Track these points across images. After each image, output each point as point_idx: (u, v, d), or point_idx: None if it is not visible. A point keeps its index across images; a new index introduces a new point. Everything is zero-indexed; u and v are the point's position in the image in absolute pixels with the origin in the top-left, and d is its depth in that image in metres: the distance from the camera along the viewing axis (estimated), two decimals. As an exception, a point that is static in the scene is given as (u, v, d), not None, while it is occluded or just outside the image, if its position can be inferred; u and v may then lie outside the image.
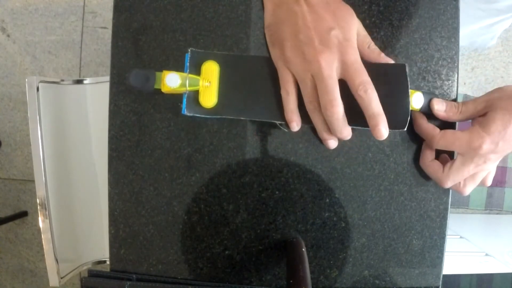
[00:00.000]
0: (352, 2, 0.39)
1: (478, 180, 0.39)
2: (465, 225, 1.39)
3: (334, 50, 0.33)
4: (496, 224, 1.48)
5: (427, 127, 0.38)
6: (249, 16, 0.39)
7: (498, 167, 1.58)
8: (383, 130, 0.33)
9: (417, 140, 0.40)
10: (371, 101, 0.33)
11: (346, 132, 0.35)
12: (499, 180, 1.55)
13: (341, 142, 0.40)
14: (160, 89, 0.36)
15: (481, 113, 0.37)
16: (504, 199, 1.56)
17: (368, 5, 0.39)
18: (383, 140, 0.40)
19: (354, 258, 0.41)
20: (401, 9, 0.40)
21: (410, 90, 0.36)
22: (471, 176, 0.38)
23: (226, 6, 0.39)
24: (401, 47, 0.40)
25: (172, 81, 0.36)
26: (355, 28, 0.35)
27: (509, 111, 0.35)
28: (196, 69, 0.37)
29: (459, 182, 0.38)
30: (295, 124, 0.36)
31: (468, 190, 0.39)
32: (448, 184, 0.38)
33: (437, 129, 0.38)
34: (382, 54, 0.36)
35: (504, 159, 1.54)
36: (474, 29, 0.71)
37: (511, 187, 1.56)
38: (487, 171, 0.38)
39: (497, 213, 1.56)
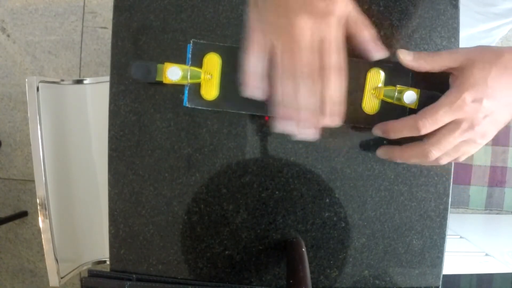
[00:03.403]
0: (352, 2, 0.39)
1: (460, 154, 0.36)
2: (465, 225, 1.39)
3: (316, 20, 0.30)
4: (496, 224, 1.47)
5: (404, 121, 0.35)
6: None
7: (498, 167, 1.58)
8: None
9: (417, 140, 0.40)
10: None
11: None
12: (499, 180, 1.55)
13: (342, 142, 0.40)
14: (161, 83, 0.36)
15: (457, 65, 0.34)
16: (504, 199, 1.56)
17: (368, 5, 0.39)
18: (383, 140, 0.40)
19: (354, 258, 0.41)
20: (401, 9, 0.40)
21: (402, 87, 0.36)
22: (455, 147, 0.35)
23: (226, 6, 0.39)
24: (401, 47, 0.40)
25: (173, 73, 0.36)
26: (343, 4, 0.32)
27: (490, 63, 0.33)
28: (198, 61, 0.37)
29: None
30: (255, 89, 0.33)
31: (444, 160, 0.36)
32: (433, 153, 0.35)
33: (413, 115, 0.35)
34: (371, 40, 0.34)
35: (504, 159, 1.54)
36: (473, 33, 0.71)
37: (511, 187, 1.56)
38: (474, 144, 0.35)
39: (497, 213, 1.56)
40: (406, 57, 0.36)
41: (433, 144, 0.35)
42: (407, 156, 0.37)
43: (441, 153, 0.35)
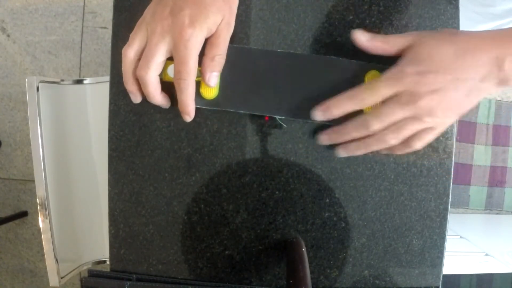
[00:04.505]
0: (352, 2, 0.39)
1: (406, 133, 0.34)
2: (465, 225, 1.39)
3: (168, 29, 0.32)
4: (496, 224, 1.48)
5: (346, 93, 0.35)
6: (249, 16, 0.39)
7: (497, 167, 1.59)
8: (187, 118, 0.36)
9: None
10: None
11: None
12: (499, 180, 1.55)
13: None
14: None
15: (409, 45, 0.34)
16: (504, 199, 1.56)
17: (368, 5, 0.39)
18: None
19: (354, 258, 0.41)
20: (401, 9, 0.40)
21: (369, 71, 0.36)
22: (397, 126, 0.34)
23: (226, 6, 0.39)
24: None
25: (173, 71, 0.36)
26: (206, 14, 0.33)
27: (440, 40, 0.33)
28: (198, 60, 0.37)
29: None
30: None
31: (391, 139, 0.34)
32: (373, 124, 0.34)
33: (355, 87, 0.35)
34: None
35: (504, 159, 1.54)
36: None
37: (511, 187, 1.56)
38: (421, 123, 0.34)
39: (497, 213, 1.56)
40: (361, 38, 0.36)
41: (372, 115, 0.34)
42: (348, 130, 0.35)
43: (381, 125, 0.34)
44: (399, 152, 0.37)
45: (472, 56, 0.32)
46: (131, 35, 0.35)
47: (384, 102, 0.34)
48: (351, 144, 0.37)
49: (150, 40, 0.33)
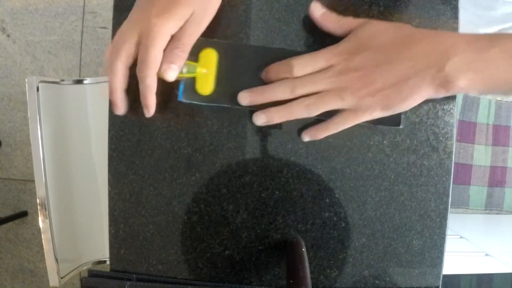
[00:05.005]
0: (352, 2, 0.39)
1: (322, 107, 0.34)
2: (465, 225, 1.39)
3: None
4: (496, 224, 1.48)
5: (284, 60, 0.35)
6: (249, 16, 0.39)
7: (498, 167, 1.58)
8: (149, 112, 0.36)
9: (417, 140, 0.40)
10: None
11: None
12: (499, 180, 1.55)
13: (342, 142, 0.40)
14: (159, 79, 0.36)
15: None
16: (504, 199, 1.56)
17: (368, 5, 0.39)
18: (383, 140, 0.40)
19: (354, 258, 0.41)
20: (401, 9, 0.40)
21: None
22: (319, 96, 0.34)
23: (226, 6, 0.39)
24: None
25: None
26: (175, 7, 0.33)
27: (381, 25, 0.33)
28: (194, 56, 0.37)
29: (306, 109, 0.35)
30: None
31: (310, 108, 0.34)
32: (297, 89, 0.34)
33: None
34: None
35: (504, 159, 1.54)
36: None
37: (511, 187, 1.56)
38: (337, 99, 0.34)
39: (497, 213, 1.56)
40: (316, 12, 0.36)
41: (299, 79, 0.34)
42: (273, 88, 0.35)
43: (304, 90, 0.34)
44: (324, 133, 0.37)
45: (408, 49, 0.32)
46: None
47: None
48: (272, 108, 0.36)
49: (121, 31, 0.34)
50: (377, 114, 0.34)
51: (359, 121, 0.35)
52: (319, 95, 0.34)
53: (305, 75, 0.34)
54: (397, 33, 0.33)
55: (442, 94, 0.33)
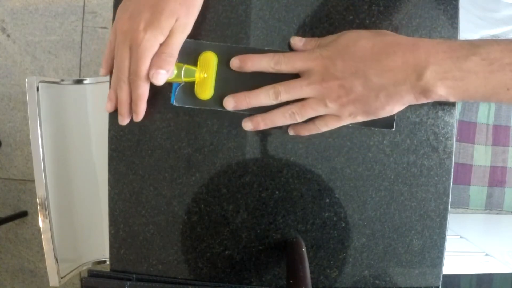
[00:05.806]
0: (352, 2, 0.39)
1: (305, 113, 0.35)
2: (465, 225, 1.39)
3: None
4: (496, 224, 1.48)
5: (265, 54, 0.36)
6: (249, 16, 0.39)
7: (498, 167, 1.59)
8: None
9: (417, 140, 0.40)
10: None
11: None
12: (499, 180, 1.55)
13: (342, 142, 0.40)
14: None
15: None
16: (504, 199, 1.56)
17: (368, 5, 0.39)
18: (383, 140, 0.40)
19: (354, 258, 0.41)
20: (401, 9, 0.40)
21: None
22: (302, 103, 0.35)
23: (226, 6, 0.39)
24: (401, 47, 0.40)
25: None
26: (159, 19, 0.34)
27: (361, 34, 0.34)
28: (194, 60, 0.37)
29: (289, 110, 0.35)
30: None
31: (294, 113, 0.35)
32: (280, 94, 0.35)
33: None
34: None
35: (504, 159, 1.54)
36: (473, 39, 0.70)
37: (511, 187, 1.56)
38: (319, 105, 0.34)
39: (497, 213, 1.56)
40: (297, 43, 0.38)
41: (283, 85, 0.35)
42: (257, 94, 0.36)
43: (288, 96, 0.35)
44: (306, 132, 0.38)
45: (386, 57, 0.32)
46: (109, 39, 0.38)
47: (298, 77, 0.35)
48: (257, 116, 0.37)
49: (117, 47, 0.35)
50: (360, 118, 0.35)
51: (342, 125, 0.36)
52: (303, 103, 0.35)
53: (289, 82, 0.35)
54: (377, 40, 0.33)
55: (423, 101, 0.33)
